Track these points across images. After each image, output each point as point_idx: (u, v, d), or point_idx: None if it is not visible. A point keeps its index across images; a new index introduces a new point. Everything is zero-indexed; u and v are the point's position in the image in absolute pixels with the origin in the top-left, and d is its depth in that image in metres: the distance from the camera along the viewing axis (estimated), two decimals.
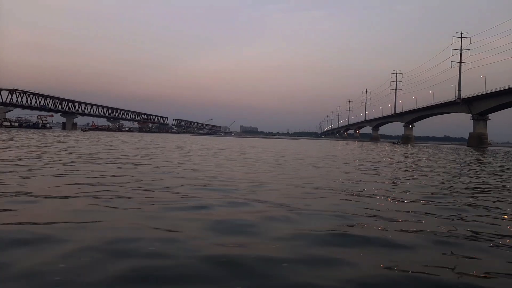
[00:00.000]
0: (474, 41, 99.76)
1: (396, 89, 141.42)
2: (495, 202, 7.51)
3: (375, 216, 5.62)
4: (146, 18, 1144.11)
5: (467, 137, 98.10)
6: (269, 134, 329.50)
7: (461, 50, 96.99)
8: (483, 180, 12.11)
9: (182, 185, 8.01)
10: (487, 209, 6.62)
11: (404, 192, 8.56)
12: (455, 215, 5.92)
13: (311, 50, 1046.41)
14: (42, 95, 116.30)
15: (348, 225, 4.97)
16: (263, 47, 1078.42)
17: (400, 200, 7.38)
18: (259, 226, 4.69)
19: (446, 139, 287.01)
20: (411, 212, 6.11)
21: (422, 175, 13.02)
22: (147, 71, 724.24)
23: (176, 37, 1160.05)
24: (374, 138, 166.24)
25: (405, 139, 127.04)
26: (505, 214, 6.28)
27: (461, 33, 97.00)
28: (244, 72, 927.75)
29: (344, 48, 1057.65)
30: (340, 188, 8.60)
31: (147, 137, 64.68)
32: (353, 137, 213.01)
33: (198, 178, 9.33)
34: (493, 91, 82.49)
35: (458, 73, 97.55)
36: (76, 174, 9.17)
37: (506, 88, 78.07)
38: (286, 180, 9.80)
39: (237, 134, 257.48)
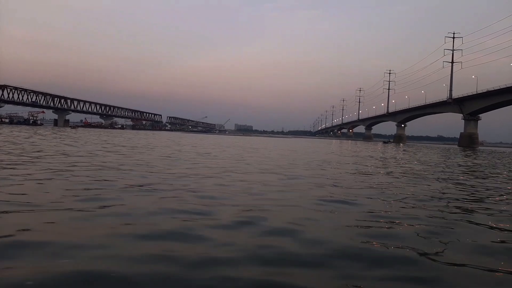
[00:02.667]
0: (468, 41, 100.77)
1: (389, 89, 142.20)
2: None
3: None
4: (145, 17, 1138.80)
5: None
6: (263, 133, 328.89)
7: (453, 50, 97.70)
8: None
9: None
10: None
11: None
12: None
13: (310, 49, 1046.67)
14: (34, 91, 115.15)
15: None
16: (261, 46, 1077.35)
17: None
18: None
19: (439, 139, 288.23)
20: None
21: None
22: (145, 69, 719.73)
23: (175, 35, 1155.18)
24: (367, 137, 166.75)
25: (398, 139, 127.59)
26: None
27: (453, 33, 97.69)
28: (241, 71, 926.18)
29: (342, 47, 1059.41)
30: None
31: (128, 134, 63.37)
32: (346, 136, 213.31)
33: None
34: (484, 91, 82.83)
35: (450, 73, 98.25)
36: None
37: (497, 88, 78.46)
38: None
39: (231, 132, 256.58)
